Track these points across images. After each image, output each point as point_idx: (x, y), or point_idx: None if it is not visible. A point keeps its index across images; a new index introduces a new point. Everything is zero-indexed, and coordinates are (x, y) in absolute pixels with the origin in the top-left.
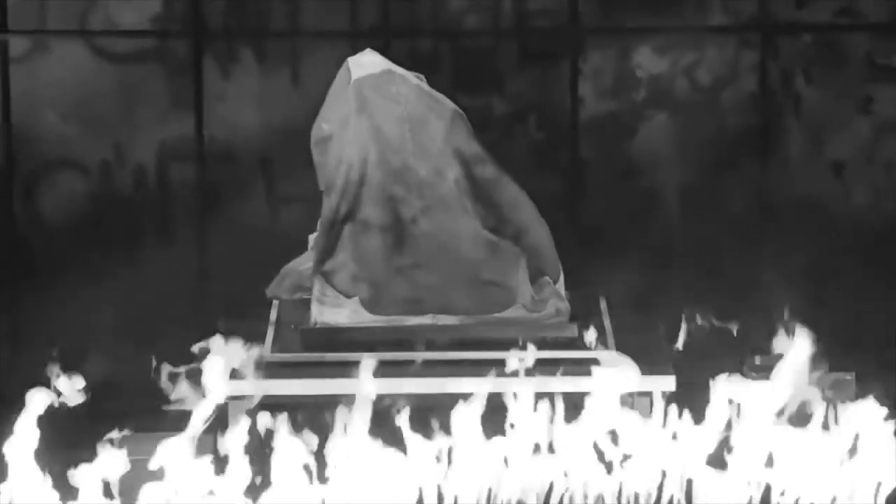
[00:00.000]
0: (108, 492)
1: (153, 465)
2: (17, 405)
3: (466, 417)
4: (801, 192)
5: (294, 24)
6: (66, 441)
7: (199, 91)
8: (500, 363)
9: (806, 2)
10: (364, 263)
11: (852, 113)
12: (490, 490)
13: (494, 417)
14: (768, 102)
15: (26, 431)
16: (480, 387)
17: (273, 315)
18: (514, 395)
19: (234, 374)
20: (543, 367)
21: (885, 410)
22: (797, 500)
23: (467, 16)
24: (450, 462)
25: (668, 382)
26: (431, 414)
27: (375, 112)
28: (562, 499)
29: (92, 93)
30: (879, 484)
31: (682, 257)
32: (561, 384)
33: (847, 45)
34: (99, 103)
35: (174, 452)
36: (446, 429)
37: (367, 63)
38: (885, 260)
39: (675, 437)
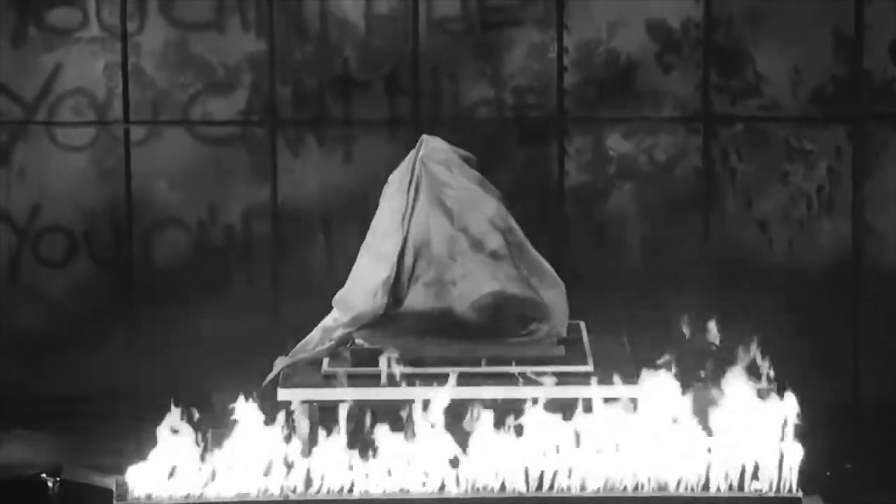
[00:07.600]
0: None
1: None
2: (132, 401)
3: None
4: (735, 242)
5: (346, 115)
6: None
7: (274, 166)
8: (508, 375)
9: (738, 99)
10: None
11: (773, 183)
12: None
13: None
14: (710, 175)
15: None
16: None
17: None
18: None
19: (299, 383)
20: (546, 377)
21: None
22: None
23: (479, 108)
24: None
25: (635, 390)
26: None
27: (432, 189)
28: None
29: (192, 168)
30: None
31: (645, 291)
32: (555, 392)
33: (769, 132)
34: (197, 176)
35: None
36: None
37: (437, 147)
38: (797, 292)
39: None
